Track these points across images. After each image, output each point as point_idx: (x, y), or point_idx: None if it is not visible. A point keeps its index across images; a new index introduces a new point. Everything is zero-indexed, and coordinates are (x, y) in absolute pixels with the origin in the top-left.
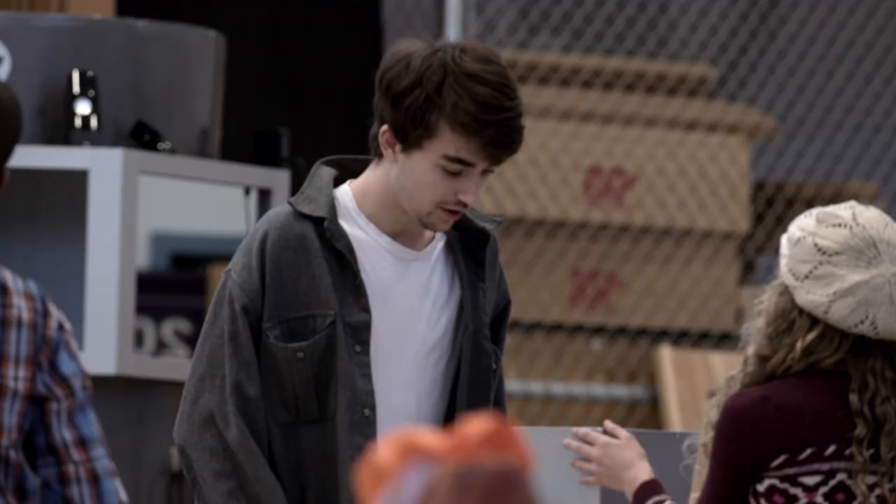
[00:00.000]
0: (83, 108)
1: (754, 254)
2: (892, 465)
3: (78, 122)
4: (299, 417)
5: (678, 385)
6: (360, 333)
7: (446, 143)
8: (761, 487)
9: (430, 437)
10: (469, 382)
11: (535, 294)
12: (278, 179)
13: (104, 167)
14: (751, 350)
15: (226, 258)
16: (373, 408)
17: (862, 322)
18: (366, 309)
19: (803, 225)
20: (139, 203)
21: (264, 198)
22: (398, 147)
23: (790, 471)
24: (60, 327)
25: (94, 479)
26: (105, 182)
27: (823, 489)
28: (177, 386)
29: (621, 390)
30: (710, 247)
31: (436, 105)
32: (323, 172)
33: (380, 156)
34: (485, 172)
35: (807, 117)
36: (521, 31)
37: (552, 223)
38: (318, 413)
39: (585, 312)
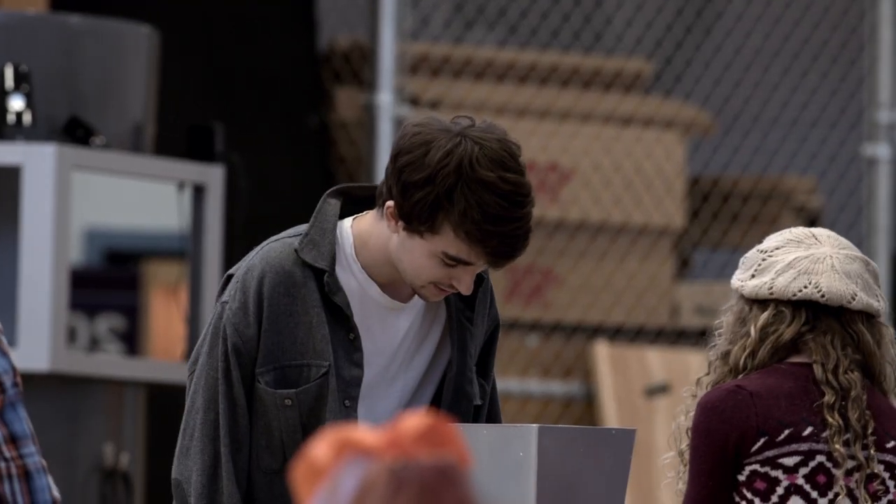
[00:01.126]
0: (16, 103)
1: (690, 249)
2: (864, 431)
3: (11, 118)
4: (286, 465)
5: (614, 381)
6: (351, 389)
7: (448, 243)
8: (742, 476)
9: (365, 433)
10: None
11: None
12: (212, 175)
13: (37, 163)
14: (712, 355)
15: (160, 254)
16: None
17: (805, 287)
18: (359, 364)
19: (760, 246)
20: (72, 199)
21: (198, 193)
22: (401, 225)
23: (770, 453)
24: None
25: (26, 475)
26: (38, 178)
27: (804, 470)
28: (110, 383)
29: (557, 386)
30: (645, 242)
31: (444, 208)
32: (328, 209)
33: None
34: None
35: (742, 112)
36: (456, 26)
37: None
38: None
39: (521, 308)
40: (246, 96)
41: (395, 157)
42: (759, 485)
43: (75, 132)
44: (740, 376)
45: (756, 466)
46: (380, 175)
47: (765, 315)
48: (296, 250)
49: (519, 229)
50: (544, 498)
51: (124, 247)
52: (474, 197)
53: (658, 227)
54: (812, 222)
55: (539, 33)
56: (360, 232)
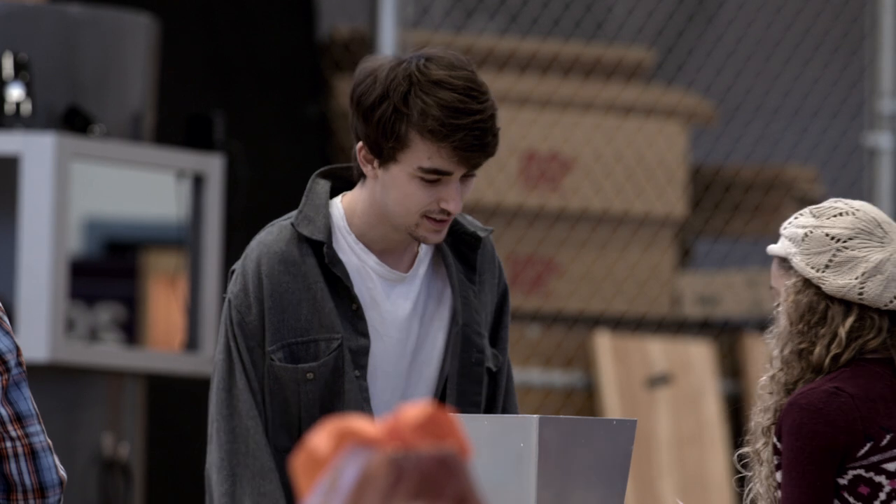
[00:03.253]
0: (16, 92)
1: (691, 239)
2: None
3: (10, 107)
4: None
5: (615, 371)
6: (359, 358)
7: (419, 153)
8: (844, 481)
9: (366, 424)
10: (458, 375)
11: None
12: (212, 164)
13: (37, 152)
14: (787, 350)
15: (159, 244)
16: None
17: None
18: (364, 334)
19: (802, 223)
20: (72, 188)
21: (198, 183)
22: (376, 163)
23: (874, 458)
24: None
25: (32, 454)
26: (37, 167)
27: None
28: (109, 373)
29: (558, 376)
30: (647, 232)
31: (404, 115)
32: (319, 188)
33: (364, 175)
34: (465, 178)
35: (744, 101)
36: (457, 14)
37: (488, 208)
38: None
39: (522, 298)
40: (246, 85)
41: (351, 96)
42: (863, 489)
43: (74, 121)
44: (821, 376)
45: (861, 471)
46: None
47: (851, 320)
48: (292, 224)
49: (482, 122)
50: (545, 488)
51: (123, 236)
52: (430, 97)
53: (660, 216)
54: None
55: (540, 22)
56: (349, 203)
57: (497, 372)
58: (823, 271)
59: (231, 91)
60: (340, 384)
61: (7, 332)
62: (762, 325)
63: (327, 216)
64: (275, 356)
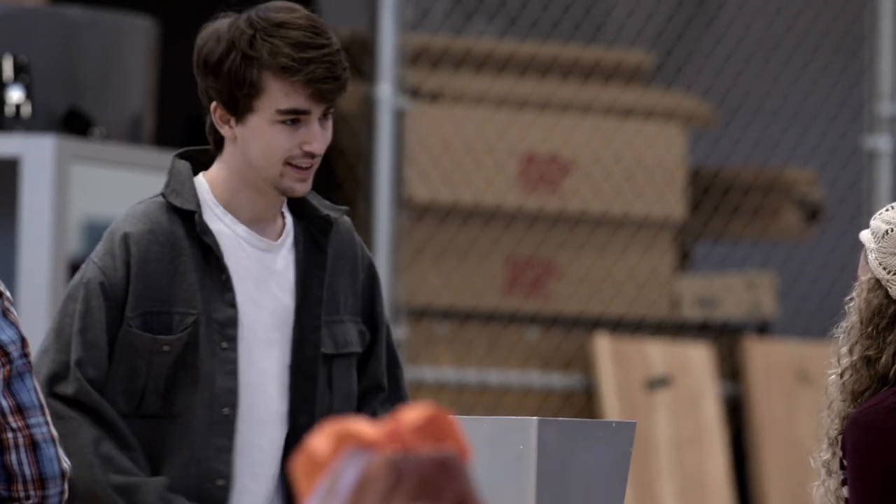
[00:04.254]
0: (15, 94)
1: (691, 241)
2: None
3: (10, 109)
4: (138, 411)
5: (614, 373)
6: (227, 329)
7: (274, 95)
8: None
9: (365, 425)
10: (294, 373)
11: (470, 282)
12: None
13: (36, 154)
14: (856, 352)
15: None
16: (233, 406)
17: None
18: (232, 304)
19: (888, 217)
20: (71, 190)
21: None
22: (232, 121)
23: None
24: None
25: (33, 445)
26: (37, 169)
27: None
28: None
29: (557, 379)
30: (646, 234)
31: (253, 59)
32: (180, 166)
33: (219, 148)
34: (323, 119)
35: (743, 104)
36: (456, 17)
37: (487, 210)
38: (160, 409)
39: (521, 300)
40: None
41: (196, 61)
42: None
43: (74, 123)
44: (887, 387)
45: None
46: (381, 167)
47: None
48: (163, 195)
49: (331, 55)
50: (544, 491)
51: None
52: (276, 38)
53: (659, 219)
54: (813, 214)
55: (539, 24)
56: (211, 176)
57: (370, 350)
58: (894, 275)
59: None
60: (193, 359)
61: (12, 324)
62: (761, 327)
63: (193, 189)
64: (132, 323)
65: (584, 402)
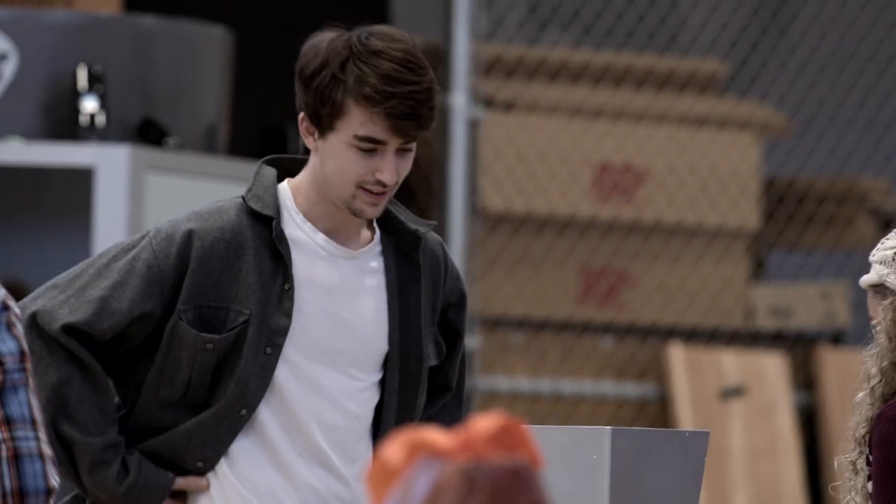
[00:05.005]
0: (90, 104)
1: (765, 251)
2: None
3: (85, 119)
4: (184, 400)
5: (688, 383)
6: (277, 337)
7: (354, 120)
8: None
9: (438, 435)
10: (401, 385)
11: (543, 291)
12: None
13: (111, 164)
14: (885, 362)
15: None
16: (252, 408)
17: None
18: (288, 314)
19: (891, 245)
20: (146, 200)
21: None
22: (316, 134)
23: None
24: (4, 307)
25: (16, 458)
26: (112, 179)
27: None
28: None
29: (631, 388)
30: (720, 244)
31: (340, 82)
32: (266, 172)
33: (309, 153)
34: (401, 152)
35: (818, 113)
36: (530, 27)
37: (561, 220)
38: (204, 401)
39: (595, 310)
40: None
41: (295, 70)
42: None
43: (149, 133)
44: None
45: None
46: (455, 177)
47: None
48: (242, 198)
49: (417, 93)
50: (618, 501)
51: None
52: (367, 65)
53: (733, 228)
54: (887, 224)
55: (614, 34)
56: (295, 184)
57: (445, 359)
58: None
59: None
60: (236, 359)
61: (15, 337)
62: (836, 337)
63: (276, 196)
64: (184, 316)
65: (658, 411)
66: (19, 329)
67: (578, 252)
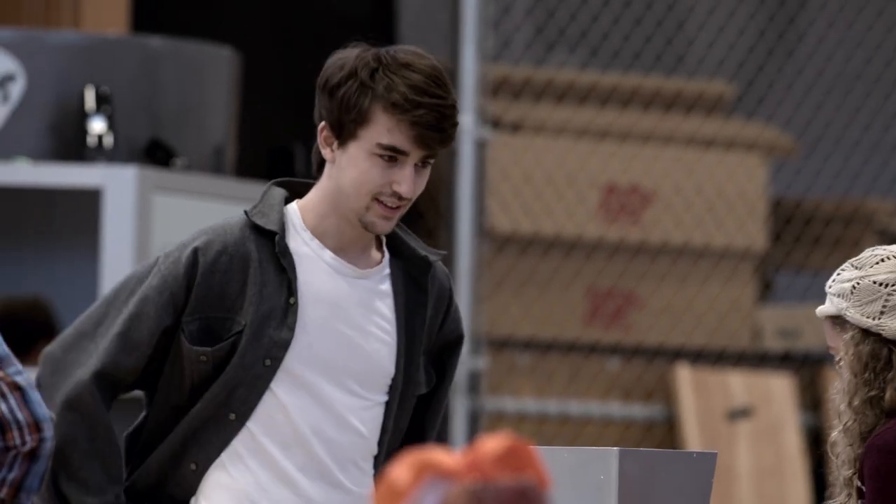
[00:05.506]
0: (97, 125)
1: (772, 272)
2: None
3: (92, 140)
4: (190, 403)
5: (695, 404)
6: (277, 350)
7: (379, 128)
8: None
9: (445, 455)
10: (398, 408)
11: (550, 313)
12: None
13: (118, 185)
14: (857, 401)
15: None
16: (241, 415)
17: None
18: (291, 328)
19: (847, 277)
20: (153, 221)
21: None
22: (335, 144)
23: None
24: None
25: (18, 388)
26: (119, 200)
27: None
28: None
29: (638, 410)
30: (727, 265)
31: (369, 89)
32: (274, 192)
33: (320, 172)
34: (421, 166)
35: (824, 135)
36: (538, 48)
37: (568, 241)
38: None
39: (602, 331)
40: None
41: (318, 83)
42: None
43: (156, 154)
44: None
45: None
46: (462, 197)
47: None
48: (246, 212)
49: (443, 107)
50: None
51: None
52: (397, 75)
53: (740, 249)
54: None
55: (621, 55)
56: (304, 203)
57: (431, 396)
58: (879, 318)
59: (312, 123)
60: (226, 366)
61: None
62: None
63: (281, 213)
64: (186, 328)
65: (665, 432)
66: None
67: (585, 273)
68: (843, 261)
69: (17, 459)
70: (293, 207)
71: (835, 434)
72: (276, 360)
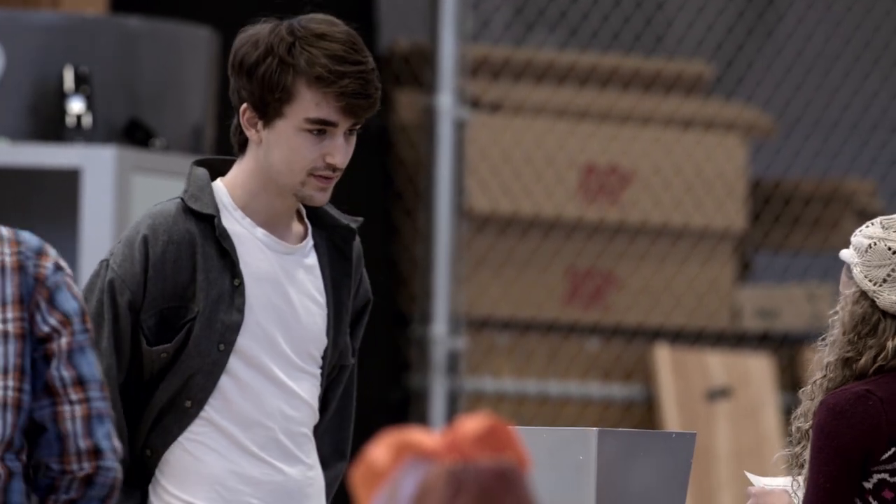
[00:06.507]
0: (76, 105)
1: (751, 252)
2: None
3: (71, 120)
4: (126, 379)
5: (674, 384)
6: (229, 334)
7: (306, 103)
8: (869, 484)
9: (424, 436)
10: (329, 377)
11: (529, 293)
12: None
13: (97, 165)
14: (832, 357)
15: None
16: (198, 402)
17: None
18: (240, 310)
19: (869, 233)
20: (132, 201)
21: None
22: (260, 125)
23: None
24: (57, 268)
25: (89, 418)
26: (98, 180)
27: None
28: None
29: (617, 390)
30: (706, 245)
31: (290, 66)
32: (199, 172)
33: (242, 151)
34: (349, 134)
35: (804, 115)
36: (517, 28)
37: (547, 221)
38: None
39: (581, 311)
40: None
41: (232, 62)
42: (887, 494)
43: (135, 134)
44: (862, 381)
45: (885, 476)
46: (441, 178)
47: None
48: (181, 199)
49: (365, 72)
50: (604, 501)
51: None
52: (315, 48)
53: (719, 229)
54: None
55: (600, 35)
56: (230, 180)
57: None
58: (881, 285)
59: None
60: (180, 354)
61: (74, 297)
62: (822, 338)
63: (212, 194)
64: (145, 324)
65: (644, 412)
66: (77, 289)
67: (564, 253)
68: (823, 241)
69: (73, 484)
70: (220, 187)
71: (808, 385)
72: (230, 344)
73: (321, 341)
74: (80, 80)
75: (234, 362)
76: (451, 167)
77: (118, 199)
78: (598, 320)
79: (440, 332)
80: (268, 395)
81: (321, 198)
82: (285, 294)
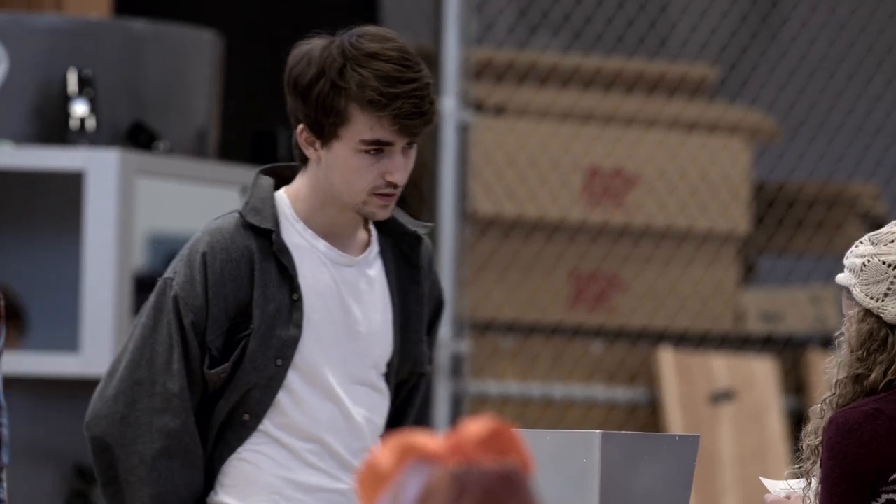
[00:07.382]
0: (80, 108)
1: (755, 255)
2: None
3: (75, 123)
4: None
5: (678, 387)
6: (287, 349)
7: (360, 125)
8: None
9: (428, 439)
10: (396, 390)
11: (534, 296)
12: None
13: (101, 168)
14: (842, 375)
15: None
16: (256, 416)
17: None
18: (298, 325)
19: (861, 252)
20: (136, 204)
21: None
22: (317, 144)
23: None
24: None
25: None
26: (102, 183)
27: None
28: None
29: (621, 393)
30: (710, 248)
31: (341, 89)
32: (263, 182)
33: (305, 162)
34: (407, 148)
35: (808, 118)
36: (521, 31)
37: (551, 224)
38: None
39: (585, 314)
40: None
41: (287, 81)
42: None
43: (139, 137)
44: (871, 398)
45: (893, 496)
46: (445, 181)
47: None
48: (240, 213)
49: (418, 90)
50: None
51: None
52: (366, 69)
53: (723, 233)
54: (877, 228)
55: (604, 38)
56: (293, 192)
57: (423, 374)
58: (882, 300)
59: None
60: (236, 369)
61: None
62: (826, 341)
63: (274, 206)
64: (213, 345)
65: (648, 415)
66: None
67: (569, 256)
68: (826, 244)
69: None
70: (283, 198)
71: (818, 404)
72: (287, 359)
73: (385, 352)
74: (84, 83)
75: (292, 377)
76: (455, 170)
77: (122, 202)
78: (603, 323)
79: (444, 335)
80: (326, 410)
81: (383, 213)
82: (346, 307)
